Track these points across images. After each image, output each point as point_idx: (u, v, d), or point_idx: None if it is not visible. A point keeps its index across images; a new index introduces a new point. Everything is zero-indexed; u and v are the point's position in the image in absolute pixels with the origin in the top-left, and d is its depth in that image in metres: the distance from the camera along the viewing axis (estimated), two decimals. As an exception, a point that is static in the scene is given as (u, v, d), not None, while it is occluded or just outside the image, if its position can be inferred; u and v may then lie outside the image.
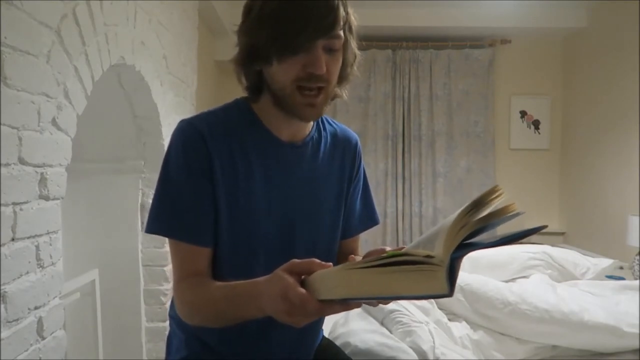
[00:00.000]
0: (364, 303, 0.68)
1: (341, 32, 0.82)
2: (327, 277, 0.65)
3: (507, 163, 4.14)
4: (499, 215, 0.53)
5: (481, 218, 0.53)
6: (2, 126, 1.10)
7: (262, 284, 0.71)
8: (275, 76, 0.84)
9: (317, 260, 0.68)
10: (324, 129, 1.00)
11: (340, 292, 0.63)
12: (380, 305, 0.88)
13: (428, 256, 0.54)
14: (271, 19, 0.79)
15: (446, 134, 4.04)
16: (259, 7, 0.80)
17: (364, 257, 0.77)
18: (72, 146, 1.44)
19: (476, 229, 0.53)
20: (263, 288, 0.70)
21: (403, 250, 0.58)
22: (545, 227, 0.62)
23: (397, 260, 0.57)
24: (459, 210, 0.54)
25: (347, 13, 0.83)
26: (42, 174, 1.29)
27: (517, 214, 0.54)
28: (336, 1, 0.79)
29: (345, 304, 0.65)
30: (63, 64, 1.36)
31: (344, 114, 3.97)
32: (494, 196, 0.54)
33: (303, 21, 0.77)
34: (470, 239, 0.55)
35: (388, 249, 0.76)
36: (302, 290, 0.64)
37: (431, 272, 0.54)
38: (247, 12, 0.84)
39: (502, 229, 0.63)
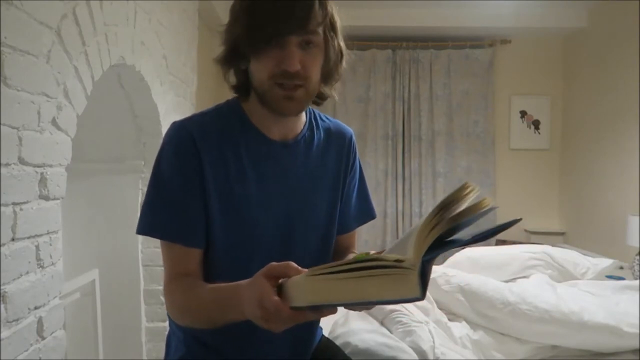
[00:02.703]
0: (338, 307, 0.68)
1: (319, 30, 0.82)
2: (297, 284, 0.65)
3: (507, 163, 4.14)
4: (473, 212, 0.52)
5: (453, 217, 0.52)
6: (2, 126, 1.10)
7: (243, 288, 0.72)
8: (254, 73, 0.85)
9: (293, 264, 0.68)
10: (317, 126, 1.00)
11: (310, 299, 0.62)
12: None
13: (398, 260, 0.54)
14: (245, 12, 0.81)
15: (446, 134, 4.04)
16: (238, 4, 0.83)
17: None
18: (72, 146, 1.44)
19: (451, 227, 0.52)
20: (244, 292, 0.71)
21: (374, 255, 0.57)
22: (519, 220, 0.60)
23: (366, 266, 0.56)
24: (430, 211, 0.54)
25: (326, 11, 0.83)
26: (42, 174, 1.28)
27: (491, 209, 0.54)
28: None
29: (317, 311, 0.66)
30: (63, 64, 1.36)
31: (344, 114, 3.97)
32: (465, 192, 0.53)
33: (273, 14, 0.79)
34: (446, 238, 0.54)
35: (372, 252, 0.76)
36: (276, 298, 0.65)
37: (402, 276, 0.53)
38: (230, 14, 0.87)
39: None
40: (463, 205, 0.53)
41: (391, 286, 0.55)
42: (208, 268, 0.91)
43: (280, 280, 0.68)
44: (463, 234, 0.56)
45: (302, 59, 0.81)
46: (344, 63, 0.92)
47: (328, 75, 0.90)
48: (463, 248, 2.55)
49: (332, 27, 0.86)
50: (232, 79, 0.91)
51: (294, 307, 0.64)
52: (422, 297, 0.53)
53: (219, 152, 0.88)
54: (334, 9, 0.86)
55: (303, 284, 0.63)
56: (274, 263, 0.69)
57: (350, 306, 0.75)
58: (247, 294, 0.69)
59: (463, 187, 0.53)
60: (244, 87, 0.91)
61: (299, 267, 0.68)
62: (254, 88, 0.88)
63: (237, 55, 0.86)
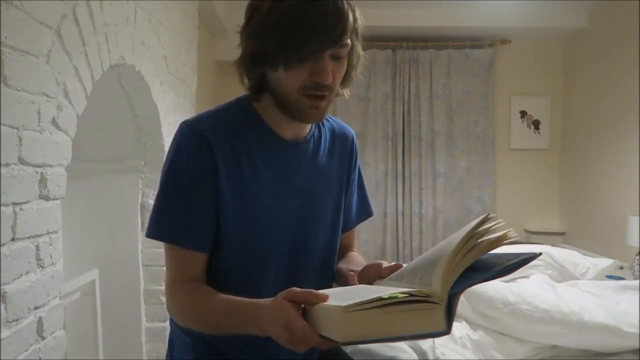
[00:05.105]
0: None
1: (349, 40, 0.81)
2: (328, 315, 0.64)
3: (507, 163, 4.14)
4: (495, 246, 0.55)
5: (477, 251, 0.54)
6: (2, 126, 1.10)
7: (265, 308, 0.71)
8: (281, 82, 0.83)
9: (315, 292, 0.68)
10: (323, 125, 1.01)
11: (344, 335, 0.62)
12: None
13: (427, 296, 0.55)
14: (278, 27, 0.77)
15: (446, 134, 4.04)
16: (264, 12, 0.78)
17: (362, 271, 0.80)
18: (72, 146, 1.44)
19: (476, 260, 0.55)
20: (265, 312, 0.71)
21: (405, 290, 0.58)
22: (540, 254, 0.62)
23: (399, 300, 0.57)
24: (456, 242, 0.55)
25: (354, 19, 0.82)
26: (42, 174, 1.28)
27: (514, 243, 0.56)
28: (345, 9, 0.78)
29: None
30: (63, 64, 1.36)
31: (344, 113, 3.97)
32: (488, 224, 0.55)
33: (312, 31, 0.75)
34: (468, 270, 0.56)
35: (385, 263, 0.78)
36: (305, 323, 0.65)
37: (429, 310, 0.55)
38: (251, 14, 0.81)
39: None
40: (486, 237, 0.55)
41: (418, 320, 0.56)
42: (215, 270, 0.91)
43: (303, 306, 0.68)
44: (485, 267, 0.57)
45: (331, 69, 0.81)
46: (359, 67, 0.91)
47: (347, 80, 0.90)
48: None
49: (356, 33, 0.85)
50: (246, 79, 0.89)
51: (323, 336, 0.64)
52: (447, 331, 0.55)
53: (232, 153, 0.87)
54: (357, 13, 0.84)
55: (337, 319, 0.62)
56: (295, 288, 0.69)
57: (382, 342, 0.76)
58: (270, 315, 0.70)
59: (486, 219, 0.55)
60: (259, 87, 0.89)
61: (319, 294, 0.67)
62: (274, 93, 0.86)
63: (262, 64, 0.82)
